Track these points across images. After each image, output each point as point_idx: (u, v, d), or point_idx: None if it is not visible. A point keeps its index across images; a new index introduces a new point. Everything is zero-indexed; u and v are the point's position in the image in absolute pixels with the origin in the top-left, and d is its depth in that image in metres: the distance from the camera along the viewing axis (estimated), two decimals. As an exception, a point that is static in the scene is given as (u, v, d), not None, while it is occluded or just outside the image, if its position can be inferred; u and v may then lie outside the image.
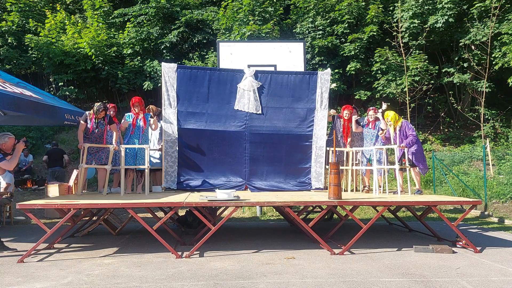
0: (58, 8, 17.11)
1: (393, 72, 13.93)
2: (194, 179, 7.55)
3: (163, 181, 7.42)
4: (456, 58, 14.71)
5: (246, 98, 7.62)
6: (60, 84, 15.56)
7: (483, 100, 13.56)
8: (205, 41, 16.05)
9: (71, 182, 9.09)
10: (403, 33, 13.89)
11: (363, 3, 14.74)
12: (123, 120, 7.43)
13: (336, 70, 14.25)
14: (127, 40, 15.63)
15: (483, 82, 13.45)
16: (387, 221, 8.45)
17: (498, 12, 13.06)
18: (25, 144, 5.68)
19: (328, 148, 7.79)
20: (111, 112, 7.20)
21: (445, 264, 5.06)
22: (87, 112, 7.01)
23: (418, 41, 13.92)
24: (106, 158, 6.95)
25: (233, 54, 8.41)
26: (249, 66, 7.86)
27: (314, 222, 5.75)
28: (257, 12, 14.65)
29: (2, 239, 5.80)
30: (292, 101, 7.75)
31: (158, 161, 7.62)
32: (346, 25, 14.71)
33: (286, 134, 7.72)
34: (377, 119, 7.74)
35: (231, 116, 7.64)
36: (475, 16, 13.86)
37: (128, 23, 16.31)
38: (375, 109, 7.91)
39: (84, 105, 15.20)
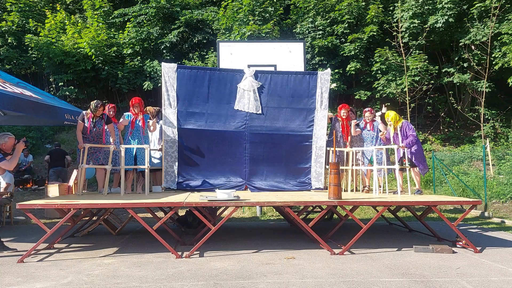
0: (58, 8, 17.13)
1: (393, 72, 13.94)
2: (194, 179, 7.55)
3: (163, 181, 7.42)
4: (456, 58, 14.71)
5: (246, 98, 7.62)
6: (60, 84, 15.57)
7: (483, 100, 13.56)
8: (205, 41, 16.05)
9: (71, 182, 9.10)
10: (403, 33, 13.89)
11: (363, 3, 14.74)
12: (122, 119, 7.34)
13: (336, 70, 14.25)
14: (127, 40, 15.64)
15: (483, 82, 13.45)
16: (387, 221, 8.45)
17: (498, 12, 13.06)
18: (25, 144, 5.68)
19: (328, 148, 7.80)
20: (111, 113, 7.19)
21: (445, 264, 5.06)
22: (84, 112, 6.92)
23: (418, 41, 13.92)
24: (103, 158, 6.92)
25: (233, 54, 8.41)
26: (249, 66, 7.86)
27: (314, 222, 5.75)
28: (257, 12, 14.66)
29: (2, 239, 5.80)
30: (292, 101, 7.74)
31: (159, 161, 7.62)
32: (346, 25, 14.72)
33: (286, 134, 7.72)
34: (373, 120, 7.78)
35: (231, 116, 7.64)
36: (475, 16, 13.86)
37: (128, 23, 16.32)
38: (371, 109, 7.91)
39: (84, 105, 15.18)
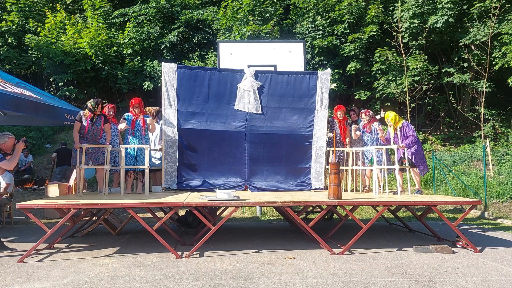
0: (58, 8, 17.13)
1: (393, 72, 13.94)
2: (194, 179, 7.55)
3: (163, 181, 7.42)
4: (456, 58, 14.71)
5: (246, 98, 7.62)
6: (60, 84, 15.56)
7: (483, 100, 13.56)
8: (205, 41, 16.06)
9: (71, 182, 9.09)
10: (403, 33, 13.89)
11: (363, 3, 14.74)
12: (122, 124, 7.18)
13: (336, 70, 14.25)
14: (127, 40, 15.64)
15: (483, 82, 13.45)
16: (387, 221, 8.45)
17: (498, 12, 13.06)
18: (25, 144, 5.68)
19: (328, 148, 7.80)
20: (111, 113, 7.17)
21: (445, 264, 5.06)
22: (81, 112, 6.84)
23: (418, 41, 13.92)
24: (103, 158, 6.90)
25: (233, 54, 8.41)
26: (249, 66, 7.86)
27: (314, 222, 5.75)
28: (257, 12, 14.66)
29: (2, 239, 5.80)
30: (292, 101, 7.74)
31: (159, 161, 7.61)
32: (346, 25, 14.71)
33: (286, 134, 7.72)
34: (371, 122, 7.76)
35: (231, 116, 7.64)
36: (475, 16, 13.87)
37: (128, 23, 16.32)
38: (367, 111, 7.90)
39: (84, 105, 15.17)
